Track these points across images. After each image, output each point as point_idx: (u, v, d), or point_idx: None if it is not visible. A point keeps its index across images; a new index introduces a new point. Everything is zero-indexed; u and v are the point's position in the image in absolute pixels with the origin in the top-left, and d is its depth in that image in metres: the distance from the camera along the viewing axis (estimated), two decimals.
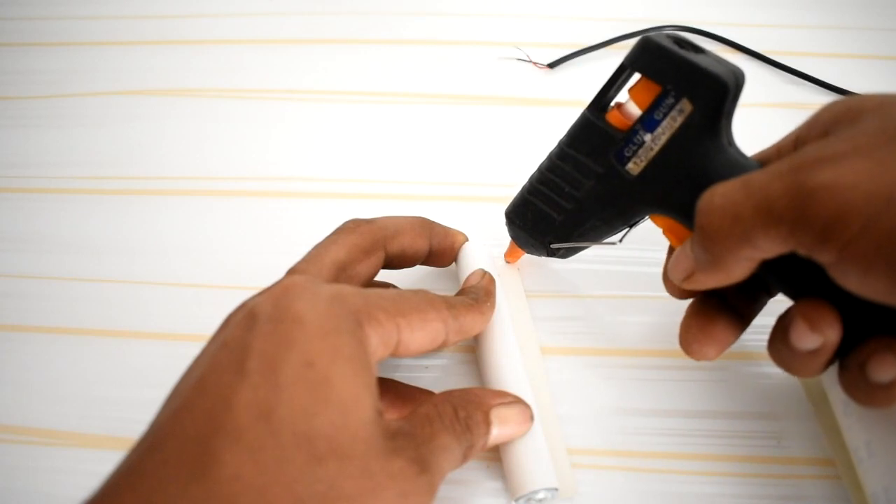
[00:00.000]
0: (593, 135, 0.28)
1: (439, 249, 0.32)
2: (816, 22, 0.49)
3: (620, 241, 0.30)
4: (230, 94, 0.46)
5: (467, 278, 0.31)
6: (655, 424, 0.31)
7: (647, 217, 0.28)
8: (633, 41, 0.48)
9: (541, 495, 0.27)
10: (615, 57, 0.47)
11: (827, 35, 0.48)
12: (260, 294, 0.25)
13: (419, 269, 0.34)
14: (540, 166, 0.30)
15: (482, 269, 0.31)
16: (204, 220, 0.39)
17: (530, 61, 0.47)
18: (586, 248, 0.31)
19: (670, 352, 0.33)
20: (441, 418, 0.25)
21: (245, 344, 0.22)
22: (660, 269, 0.30)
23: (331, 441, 0.21)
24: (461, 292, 0.30)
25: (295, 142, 0.43)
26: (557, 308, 0.35)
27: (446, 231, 0.32)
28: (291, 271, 0.27)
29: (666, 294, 0.32)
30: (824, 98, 0.44)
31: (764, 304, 0.28)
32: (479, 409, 0.26)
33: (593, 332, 0.34)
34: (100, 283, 0.37)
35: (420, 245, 0.31)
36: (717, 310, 0.27)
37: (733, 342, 0.27)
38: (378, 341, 0.24)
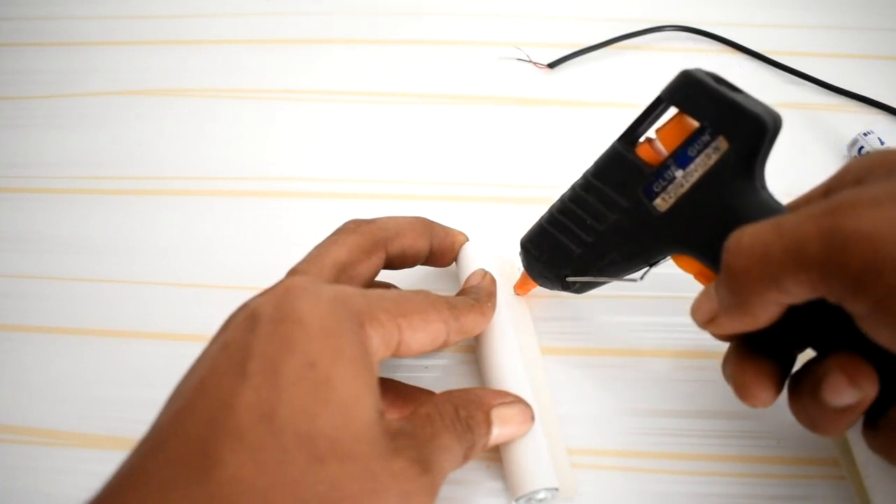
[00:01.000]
0: (622, 167, 0.27)
1: (440, 249, 0.32)
2: (816, 22, 0.49)
3: (641, 278, 0.29)
4: (230, 94, 0.46)
5: (468, 278, 0.31)
6: (655, 424, 0.31)
7: (668, 257, 0.28)
8: (632, 41, 0.49)
9: (541, 495, 0.27)
10: (615, 57, 0.47)
11: (827, 35, 0.48)
12: (261, 295, 0.25)
13: (420, 270, 0.34)
14: (562, 196, 0.29)
15: (483, 270, 0.31)
16: (203, 220, 0.39)
17: (530, 61, 0.47)
18: (604, 283, 0.30)
19: (670, 352, 0.33)
20: (442, 418, 0.25)
21: (246, 345, 0.22)
22: (661, 270, 0.30)
23: (332, 442, 0.21)
24: (462, 292, 0.30)
25: (294, 142, 0.43)
26: (557, 308, 0.35)
27: (446, 231, 0.32)
28: (292, 272, 0.27)
29: (666, 294, 0.32)
30: (824, 98, 0.44)
31: (793, 358, 0.26)
32: (479, 408, 0.26)
33: (593, 332, 0.34)
34: (99, 283, 0.37)
35: (420, 245, 0.31)
36: (765, 352, 0.25)
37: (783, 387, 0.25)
38: (379, 342, 0.24)
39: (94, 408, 0.32)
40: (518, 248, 0.32)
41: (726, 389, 0.32)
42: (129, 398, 0.32)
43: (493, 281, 0.31)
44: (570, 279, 0.30)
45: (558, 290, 0.31)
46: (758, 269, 0.21)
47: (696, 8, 0.50)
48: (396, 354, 0.25)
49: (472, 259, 0.32)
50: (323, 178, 0.41)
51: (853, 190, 0.21)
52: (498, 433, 0.26)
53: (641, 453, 0.30)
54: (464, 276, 0.32)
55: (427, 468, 0.22)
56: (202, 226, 0.39)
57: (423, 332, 0.25)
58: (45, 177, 0.42)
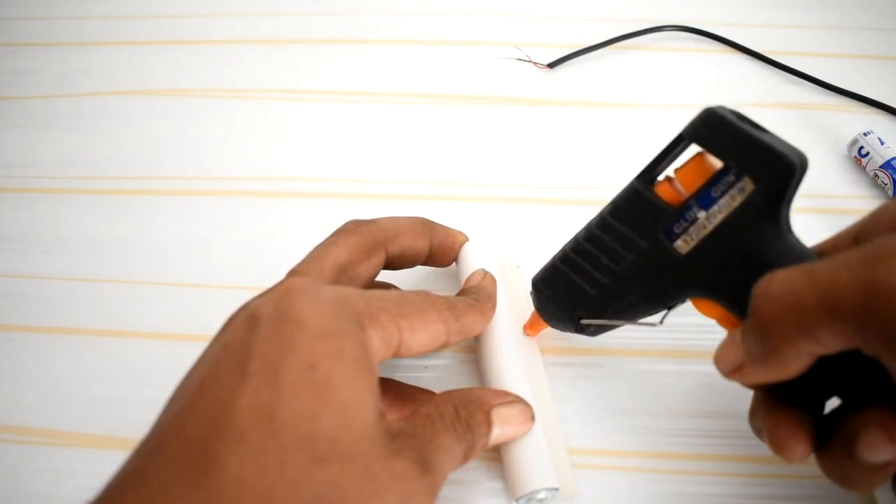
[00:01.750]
0: (640, 207, 0.26)
1: (440, 250, 0.32)
2: (816, 22, 0.49)
3: (661, 322, 0.27)
4: (229, 93, 0.46)
5: (468, 278, 0.31)
6: (655, 424, 0.31)
7: (687, 299, 0.26)
8: (632, 41, 0.49)
9: (541, 495, 0.27)
10: (615, 57, 0.47)
11: (827, 35, 0.48)
12: (261, 296, 0.25)
13: (420, 270, 0.34)
14: (576, 235, 0.28)
15: (483, 270, 0.31)
16: (203, 220, 0.39)
17: (530, 61, 0.47)
18: (620, 326, 0.28)
19: (671, 352, 0.33)
20: (442, 418, 0.25)
21: (246, 346, 0.22)
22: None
23: (333, 443, 0.21)
24: (462, 292, 0.30)
25: (294, 142, 0.43)
26: None
27: (446, 231, 0.32)
28: (292, 273, 0.27)
29: None
30: (824, 98, 0.44)
31: (822, 407, 0.24)
32: (480, 408, 0.26)
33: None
34: (99, 282, 0.37)
35: (420, 245, 0.31)
36: (795, 402, 0.24)
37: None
38: (379, 343, 0.24)
39: (94, 408, 0.32)
40: (529, 287, 0.30)
41: (726, 389, 0.32)
42: (129, 398, 0.32)
43: (494, 281, 0.31)
44: (584, 321, 0.29)
45: (571, 332, 0.30)
46: (789, 317, 0.20)
47: (696, 8, 0.50)
48: (397, 355, 0.25)
49: (472, 259, 0.32)
50: (322, 178, 0.41)
51: (892, 238, 0.20)
52: (498, 433, 0.26)
53: (641, 453, 0.30)
54: (464, 276, 0.32)
55: (427, 468, 0.22)
56: (202, 226, 0.39)
57: (423, 333, 0.25)
58: (43, 177, 0.42)
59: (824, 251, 0.25)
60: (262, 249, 0.38)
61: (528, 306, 0.34)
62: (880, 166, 0.38)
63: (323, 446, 0.21)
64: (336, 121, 0.44)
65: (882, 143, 0.38)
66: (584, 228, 0.28)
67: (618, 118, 0.43)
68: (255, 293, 0.25)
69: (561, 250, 0.29)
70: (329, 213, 0.39)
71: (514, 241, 0.37)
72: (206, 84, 0.47)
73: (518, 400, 0.28)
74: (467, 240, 0.33)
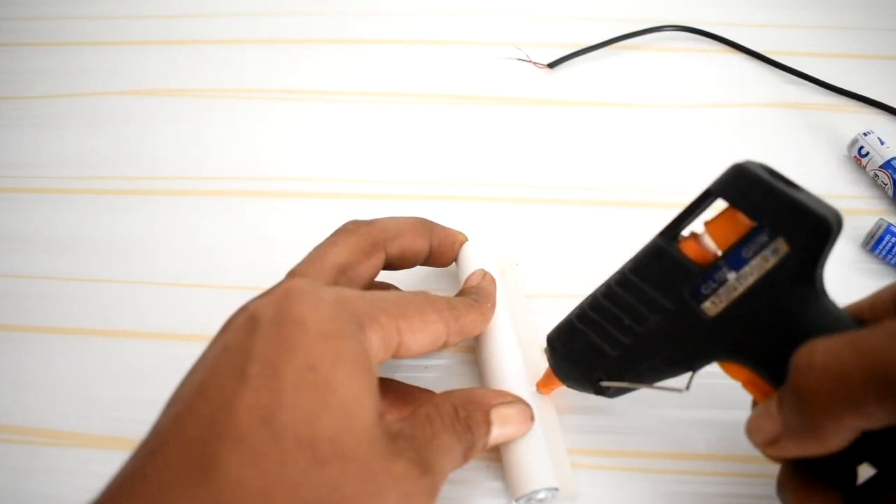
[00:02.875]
0: (665, 265, 0.25)
1: (439, 250, 0.32)
2: (816, 22, 0.49)
3: (687, 388, 0.26)
4: (227, 93, 0.46)
5: (467, 279, 0.31)
6: (656, 424, 0.31)
7: (714, 362, 0.25)
8: (632, 41, 0.49)
9: (541, 495, 0.27)
10: (615, 57, 0.47)
11: (827, 35, 0.48)
12: (261, 297, 0.25)
13: (419, 270, 0.34)
14: (594, 292, 0.27)
15: (482, 270, 0.31)
16: (202, 220, 0.39)
17: (530, 61, 0.47)
18: (641, 388, 0.27)
19: None
20: (441, 418, 0.25)
21: (246, 348, 0.22)
22: None
23: (333, 444, 0.21)
24: (462, 293, 0.30)
25: (293, 142, 0.43)
26: (557, 308, 0.35)
27: (446, 231, 0.32)
28: (291, 274, 0.27)
29: None
30: (824, 98, 0.44)
31: (855, 476, 0.24)
32: (479, 408, 0.26)
33: None
34: (99, 283, 0.37)
35: (420, 245, 0.31)
36: (827, 474, 0.23)
37: None
38: (379, 344, 0.24)
39: (94, 408, 0.32)
40: (544, 345, 0.29)
41: (726, 389, 0.32)
42: (129, 398, 0.32)
43: (493, 281, 0.31)
44: (603, 384, 0.27)
45: (589, 392, 0.28)
46: (834, 390, 0.19)
47: (696, 8, 0.50)
48: (396, 356, 0.25)
49: (472, 259, 0.32)
50: (321, 178, 0.41)
51: None
52: (497, 433, 0.26)
53: (641, 453, 0.30)
54: (464, 277, 0.32)
55: (427, 469, 0.22)
56: (200, 226, 0.39)
57: (423, 334, 0.25)
58: (42, 177, 0.42)
59: (860, 313, 0.24)
60: (262, 249, 0.38)
61: (526, 306, 0.34)
62: (880, 166, 0.38)
63: (323, 448, 0.21)
64: (336, 121, 0.44)
65: (882, 143, 0.38)
66: (602, 285, 0.27)
67: (618, 118, 0.43)
68: (256, 293, 0.25)
69: (578, 307, 0.28)
70: (328, 213, 0.39)
71: (514, 241, 0.37)
72: (206, 84, 0.47)
73: (517, 400, 0.28)
74: (467, 240, 0.33)
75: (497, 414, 0.27)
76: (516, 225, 0.38)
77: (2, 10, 0.54)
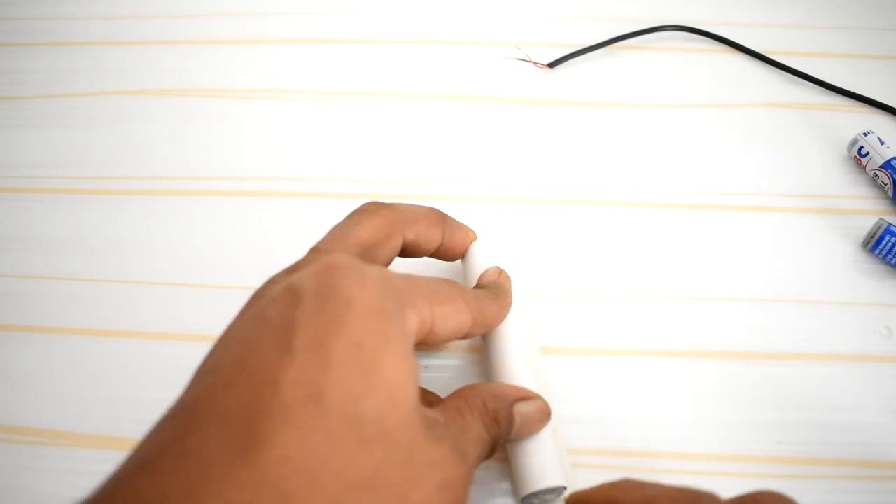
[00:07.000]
0: None
1: (451, 243, 0.31)
2: (816, 22, 0.49)
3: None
4: (225, 93, 0.46)
5: (483, 274, 0.31)
6: (656, 424, 0.31)
7: None
8: (632, 41, 0.49)
9: (549, 494, 0.27)
10: (615, 57, 0.47)
11: (827, 35, 0.48)
12: (297, 270, 0.24)
13: (414, 264, 0.34)
14: None
15: (498, 268, 0.31)
16: (200, 220, 0.39)
17: (530, 61, 0.47)
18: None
19: (671, 352, 0.33)
20: (472, 411, 0.24)
21: (290, 321, 0.21)
22: (662, 267, 0.30)
23: (377, 426, 0.20)
24: (478, 287, 0.30)
25: (291, 141, 0.43)
26: (557, 308, 0.35)
27: (459, 225, 0.32)
28: (316, 250, 0.26)
29: (667, 294, 0.32)
30: (824, 98, 0.44)
31: None
32: (504, 403, 0.26)
33: (593, 331, 0.34)
34: (98, 283, 0.37)
35: (434, 235, 0.30)
36: None
37: None
38: (416, 327, 0.23)
39: (94, 408, 0.32)
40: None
41: (726, 388, 0.32)
42: (129, 398, 0.32)
43: (509, 279, 0.31)
44: None
45: None
46: None
47: (696, 8, 0.50)
48: (424, 342, 0.24)
49: (483, 257, 0.32)
50: (320, 177, 0.41)
51: None
52: (518, 429, 0.26)
53: (642, 453, 0.30)
54: (471, 274, 0.32)
55: (464, 458, 0.22)
56: (199, 225, 0.39)
57: (451, 321, 0.25)
58: (39, 177, 0.42)
59: None
60: (262, 249, 0.38)
61: (526, 305, 0.34)
62: (880, 166, 0.38)
63: (369, 429, 0.20)
64: (334, 120, 0.44)
65: (882, 143, 0.38)
66: None
67: (618, 118, 0.43)
68: (283, 269, 0.25)
69: None
70: (328, 212, 0.39)
71: (513, 241, 0.37)
72: (205, 84, 0.47)
73: (537, 396, 0.28)
74: (477, 238, 0.33)
75: (518, 409, 0.26)
76: (516, 225, 0.38)
77: (1, 10, 0.53)
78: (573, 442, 0.30)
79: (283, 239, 0.38)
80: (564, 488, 0.27)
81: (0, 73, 0.48)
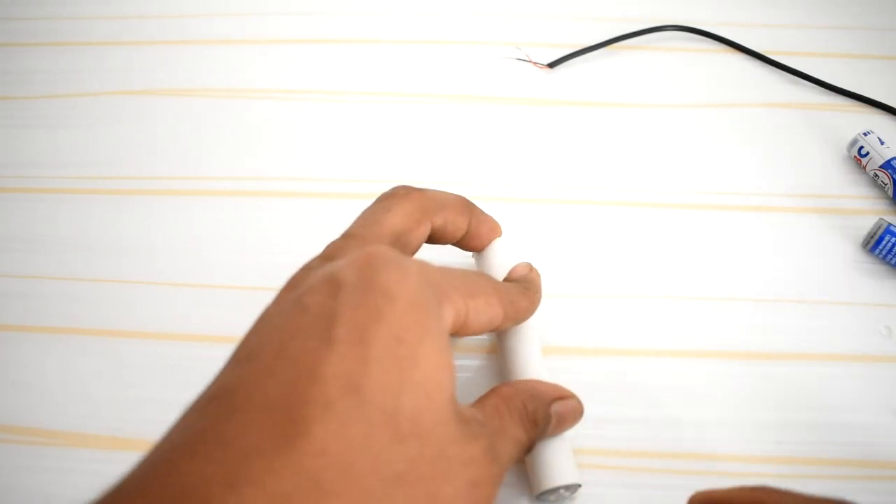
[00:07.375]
0: None
1: (476, 232, 0.31)
2: (816, 22, 0.49)
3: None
4: (225, 93, 0.46)
5: (514, 269, 0.31)
6: (656, 424, 0.31)
7: None
8: (632, 41, 0.49)
9: (564, 492, 0.27)
10: (615, 57, 0.47)
11: (827, 35, 0.48)
12: (334, 258, 0.24)
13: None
14: None
15: (528, 263, 0.31)
16: (201, 220, 0.39)
17: (530, 61, 0.47)
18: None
19: (671, 352, 0.33)
20: (510, 411, 0.24)
21: (331, 311, 0.21)
22: (662, 267, 0.29)
23: (414, 421, 0.20)
24: (508, 281, 0.30)
25: (291, 141, 0.43)
26: (557, 308, 0.35)
27: (486, 216, 0.32)
28: (351, 236, 0.26)
29: (667, 294, 0.32)
30: (824, 98, 0.44)
31: None
32: (543, 403, 0.26)
33: (593, 331, 0.34)
34: (98, 283, 0.37)
35: (461, 222, 0.30)
36: None
37: None
38: (451, 320, 0.23)
39: (94, 408, 0.32)
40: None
41: (726, 388, 0.32)
42: (129, 398, 0.32)
43: (539, 275, 0.31)
44: None
45: None
46: None
47: (696, 8, 0.50)
48: (456, 334, 0.24)
49: (509, 252, 0.32)
50: (321, 178, 0.41)
51: None
52: (552, 428, 0.26)
53: (642, 453, 0.30)
54: (494, 268, 0.31)
55: (496, 458, 0.22)
56: (199, 225, 0.39)
57: (484, 315, 0.25)
58: (42, 177, 0.42)
59: None
60: (262, 250, 0.38)
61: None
62: (880, 166, 0.38)
63: (405, 424, 0.20)
64: (334, 120, 0.44)
65: (882, 143, 0.38)
66: None
67: (618, 118, 0.43)
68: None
69: None
70: (328, 213, 0.39)
71: (513, 241, 0.37)
72: (205, 84, 0.47)
73: (572, 395, 0.27)
74: (502, 232, 0.33)
75: (555, 409, 0.26)
76: (515, 225, 0.38)
77: (4, 9, 0.54)
78: (573, 442, 0.30)
79: (283, 239, 0.38)
80: (579, 485, 0.27)
81: (3, 72, 0.48)
